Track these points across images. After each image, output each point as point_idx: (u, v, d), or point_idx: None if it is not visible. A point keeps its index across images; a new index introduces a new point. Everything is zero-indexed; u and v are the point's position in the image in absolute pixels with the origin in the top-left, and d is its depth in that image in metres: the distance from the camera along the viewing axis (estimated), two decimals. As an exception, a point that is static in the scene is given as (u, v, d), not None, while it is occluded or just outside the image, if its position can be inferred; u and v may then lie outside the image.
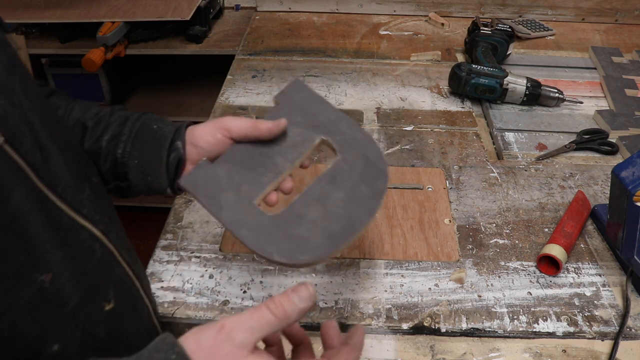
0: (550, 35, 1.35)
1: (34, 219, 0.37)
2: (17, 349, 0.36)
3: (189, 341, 0.38)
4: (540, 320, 0.64)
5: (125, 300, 0.47)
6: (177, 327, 0.65)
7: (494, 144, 0.97)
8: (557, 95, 1.04)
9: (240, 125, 0.56)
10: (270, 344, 0.46)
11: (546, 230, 0.77)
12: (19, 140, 0.38)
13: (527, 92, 1.03)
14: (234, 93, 1.08)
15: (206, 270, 0.70)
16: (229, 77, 1.14)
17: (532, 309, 0.66)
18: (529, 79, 1.04)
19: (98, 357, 0.39)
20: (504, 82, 1.03)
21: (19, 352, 0.36)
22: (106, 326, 0.44)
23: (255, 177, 0.55)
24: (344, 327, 0.63)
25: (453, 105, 1.06)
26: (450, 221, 0.78)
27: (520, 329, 0.64)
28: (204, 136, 0.58)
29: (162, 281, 0.68)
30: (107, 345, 0.43)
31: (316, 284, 0.68)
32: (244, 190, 0.54)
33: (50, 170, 0.41)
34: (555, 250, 0.70)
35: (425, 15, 1.43)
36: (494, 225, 0.78)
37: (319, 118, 0.58)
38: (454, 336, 0.63)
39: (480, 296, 0.67)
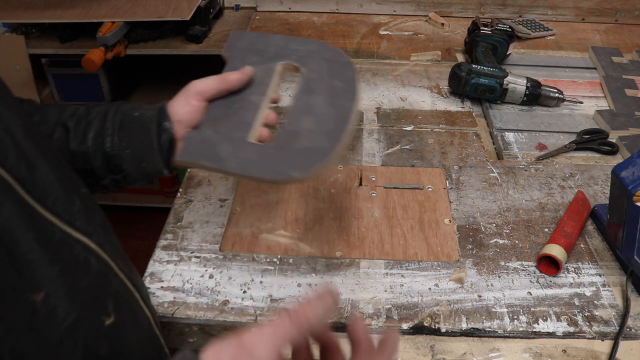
0: (550, 35, 1.35)
1: (24, 235, 0.36)
2: None
3: (209, 357, 0.37)
4: (540, 320, 0.64)
5: (125, 313, 0.46)
6: (176, 327, 0.65)
7: (494, 144, 0.97)
8: (557, 95, 1.04)
9: (210, 85, 0.59)
10: (298, 348, 0.45)
11: (546, 230, 0.77)
12: (4, 154, 0.36)
13: (527, 92, 1.03)
14: (234, 93, 1.08)
15: (206, 270, 0.70)
16: (229, 77, 1.14)
17: (532, 309, 0.66)
18: (529, 79, 1.04)
19: None
20: (504, 82, 1.03)
21: None
22: (108, 342, 0.42)
23: (239, 120, 0.58)
24: (343, 327, 0.63)
25: (453, 105, 1.06)
26: (450, 221, 0.78)
27: (520, 329, 0.64)
28: (182, 108, 0.59)
29: (162, 281, 0.68)
30: None
31: (316, 284, 0.68)
32: (236, 136, 0.57)
33: (38, 183, 0.39)
34: (555, 250, 0.70)
35: (425, 15, 1.43)
36: (494, 225, 0.78)
37: (270, 50, 0.62)
38: (454, 336, 0.63)
39: (480, 296, 0.67)
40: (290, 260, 0.71)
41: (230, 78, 0.58)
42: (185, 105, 0.59)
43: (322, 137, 0.54)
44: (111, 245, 0.47)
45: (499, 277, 0.70)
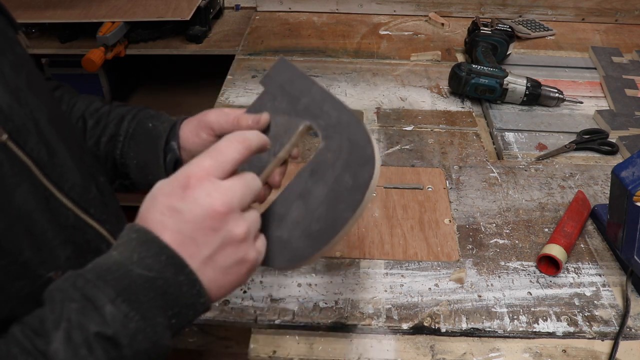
0: (550, 35, 1.35)
1: (40, 215, 0.37)
2: None
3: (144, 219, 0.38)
4: (540, 320, 0.64)
5: None
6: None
7: (494, 144, 0.97)
8: (557, 95, 1.04)
9: (221, 123, 0.54)
10: None
11: (546, 230, 0.77)
12: (24, 138, 0.38)
13: (527, 92, 1.03)
14: (234, 93, 1.08)
15: (206, 270, 0.70)
16: (229, 77, 1.14)
17: (532, 309, 0.66)
18: (529, 79, 1.04)
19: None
20: (504, 82, 1.03)
21: None
22: None
23: None
24: (343, 327, 0.63)
25: (453, 105, 1.06)
26: (450, 221, 0.78)
27: (520, 329, 0.64)
28: (190, 137, 0.57)
29: (162, 281, 0.68)
30: None
31: (316, 284, 0.68)
32: None
33: (56, 168, 0.41)
34: (555, 250, 0.69)
35: (425, 15, 1.43)
36: (494, 225, 0.78)
37: (303, 100, 0.53)
38: (454, 336, 0.63)
39: (480, 296, 0.67)
40: (290, 260, 0.71)
41: (242, 124, 0.52)
42: (195, 136, 0.56)
43: (303, 237, 0.47)
44: None
45: (499, 277, 0.70)
